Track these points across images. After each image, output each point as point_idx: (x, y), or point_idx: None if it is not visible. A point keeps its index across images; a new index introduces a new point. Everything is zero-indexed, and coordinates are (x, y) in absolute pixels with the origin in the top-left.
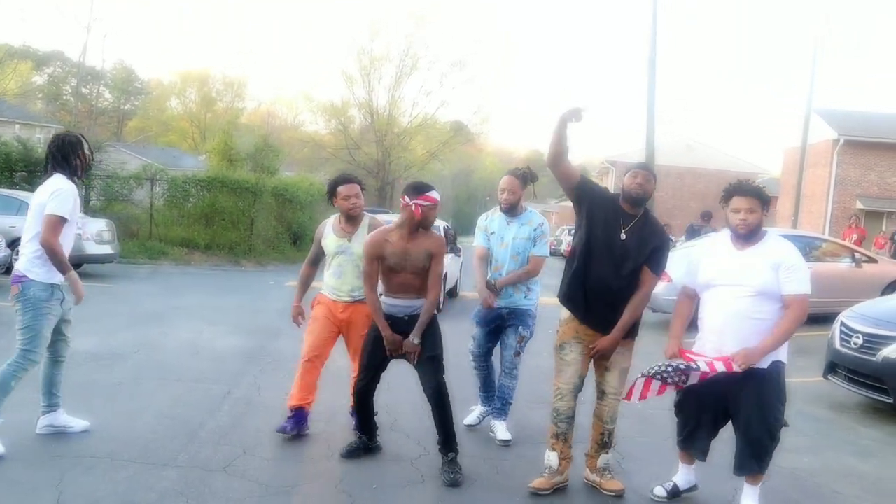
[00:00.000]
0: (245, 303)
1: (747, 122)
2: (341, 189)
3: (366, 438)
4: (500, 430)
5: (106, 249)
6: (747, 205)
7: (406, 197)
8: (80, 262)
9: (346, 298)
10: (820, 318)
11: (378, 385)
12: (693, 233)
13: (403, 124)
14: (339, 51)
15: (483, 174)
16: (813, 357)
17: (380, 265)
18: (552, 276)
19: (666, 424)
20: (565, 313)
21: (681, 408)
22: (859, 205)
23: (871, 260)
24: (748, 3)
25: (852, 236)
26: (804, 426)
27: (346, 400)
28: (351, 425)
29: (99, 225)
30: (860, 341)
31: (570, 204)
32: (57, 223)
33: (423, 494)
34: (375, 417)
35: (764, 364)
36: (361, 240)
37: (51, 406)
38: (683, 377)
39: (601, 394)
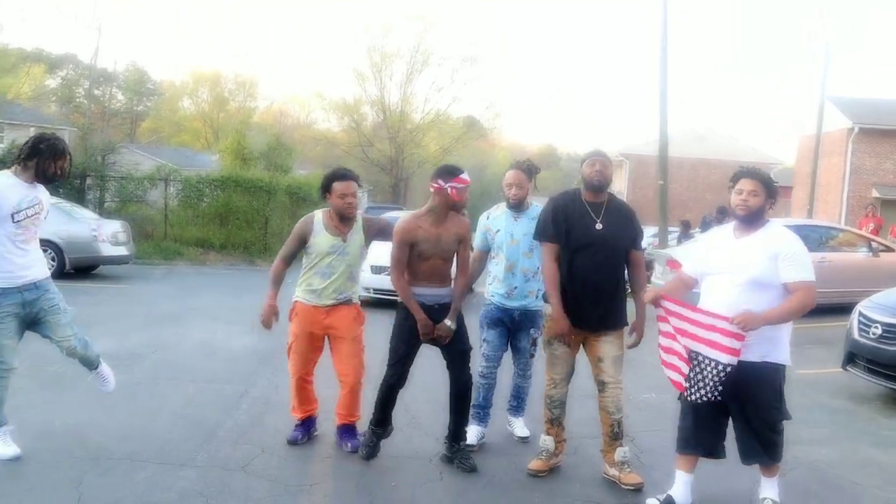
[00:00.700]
0: (261, 302)
1: (760, 112)
2: (337, 186)
3: (380, 431)
4: (519, 427)
5: (121, 251)
6: (751, 187)
7: (440, 181)
8: (95, 264)
9: (330, 301)
10: (837, 309)
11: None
12: (706, 226)
13: (416, 121)
14: (350, 48)
15: (496, 169)
16: (831, 348)
17: (409, 252)
18: None
19: None
20: (550, 308)
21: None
22: (875, 193)
23: (889, 249)
24: None
25: (869, 225)
26: (823, 417)
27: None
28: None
29: (114, 226)
30: (879, 331)
31: None
32: None
33: (443, 492)
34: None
35: (754, 357)
36: (358, 239)
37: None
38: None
39: (601, 385)
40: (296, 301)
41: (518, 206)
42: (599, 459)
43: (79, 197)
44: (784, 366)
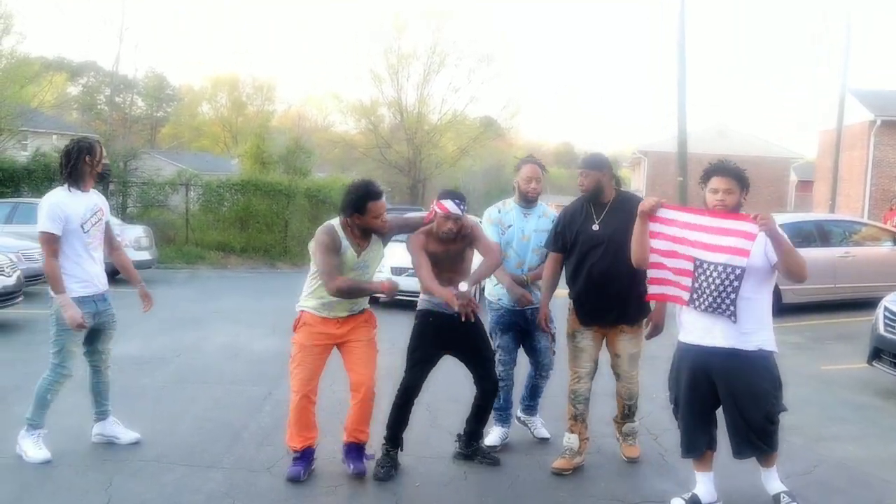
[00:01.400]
0: (282, 304)
1: (779, 106)
2: (372, 206)
3: (395, 452)
4: (538, 427)
5: (144, 255)
6: (725, 185)
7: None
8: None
9: (345, 313)
10: (862, 304)
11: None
12: None
13: (433, 121)
14: (366, 50)
15: (514, 169)
16: (856, 343)
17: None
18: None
19: None
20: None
21: (676, 413)
22: None
23: None
24: None
25: (893, 219)
26: (849, 414)
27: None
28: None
29: (137, 231)
30: None
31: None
32: (44, 240)
33: (467, 491)
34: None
35: (751, 346)
36: (377, 251)
37: (99, 414)
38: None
39: (617, 376)
40: (303, 311)
41: (530, 202)
42: (622, 459)
43: None
44: (774, 352)
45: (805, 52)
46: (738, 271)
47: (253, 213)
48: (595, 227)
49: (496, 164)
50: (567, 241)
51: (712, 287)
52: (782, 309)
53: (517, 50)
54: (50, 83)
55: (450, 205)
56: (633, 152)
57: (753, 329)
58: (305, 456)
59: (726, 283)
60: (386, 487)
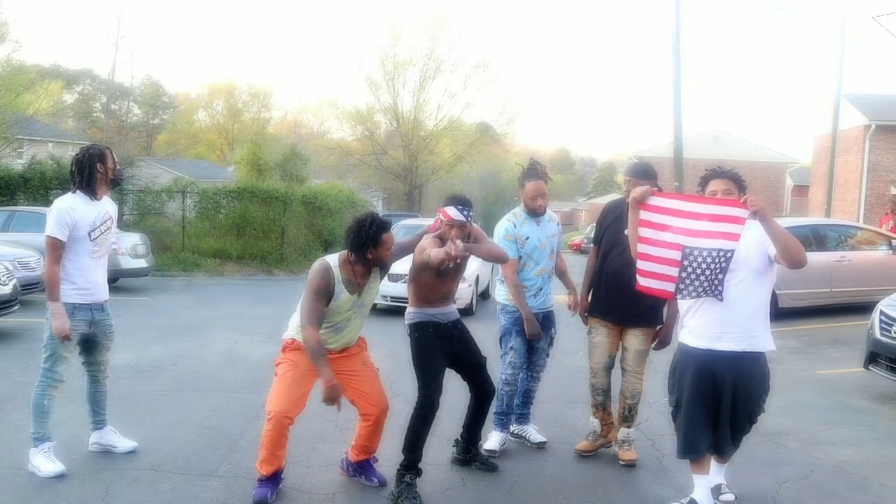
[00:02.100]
0: (279, 311)
1: (774, 111)
2: (387, 237)
3: (413, 477)
4: (534, 433)
5: (141, 263)
6: (724, 186)
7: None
8: (116, 277)
9: (339, 347)
10: (858, 308)
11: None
12: None
13: (429, 128)
14: (362, 57)
15: (511, 174)
16: (851, 347)
17: (430, 274)
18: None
19: None
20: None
21: (675, 415)
22: (894, 190)
23: None
24: None
25: (889, 223)
26: (846, 418)
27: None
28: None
29: (133, 239)
30: None
31: (598, 201)
32: (50, 245)
33: (466, 497)
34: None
35: (752, 347)
36: (375, 286)
37: (96, 423)
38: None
39: (623, 371)
40: (293, 339)
41: (538, 212)
42: (620, 464)
43: None
44: (766, 352)
45: (800, 58)
46: (728, 254)
47: (249, 220)
48: (627, 231)
49: (493, 169)
50: (598, 236)
51: (703, 274)
52: (779, 313)
53: (513, 56)
54: (46, 91)
55: (453, 211)
56: (628, 157)
57: (760, 332)
58: (274, 477)
59: (714, 266)
60: (384, 496)
